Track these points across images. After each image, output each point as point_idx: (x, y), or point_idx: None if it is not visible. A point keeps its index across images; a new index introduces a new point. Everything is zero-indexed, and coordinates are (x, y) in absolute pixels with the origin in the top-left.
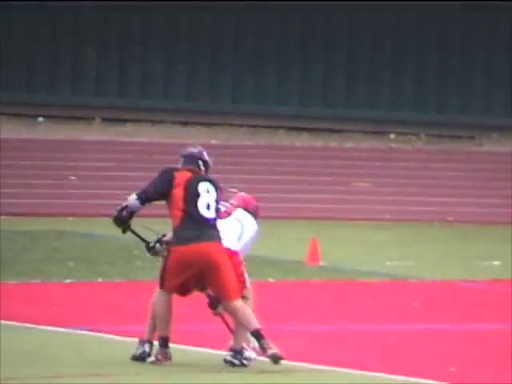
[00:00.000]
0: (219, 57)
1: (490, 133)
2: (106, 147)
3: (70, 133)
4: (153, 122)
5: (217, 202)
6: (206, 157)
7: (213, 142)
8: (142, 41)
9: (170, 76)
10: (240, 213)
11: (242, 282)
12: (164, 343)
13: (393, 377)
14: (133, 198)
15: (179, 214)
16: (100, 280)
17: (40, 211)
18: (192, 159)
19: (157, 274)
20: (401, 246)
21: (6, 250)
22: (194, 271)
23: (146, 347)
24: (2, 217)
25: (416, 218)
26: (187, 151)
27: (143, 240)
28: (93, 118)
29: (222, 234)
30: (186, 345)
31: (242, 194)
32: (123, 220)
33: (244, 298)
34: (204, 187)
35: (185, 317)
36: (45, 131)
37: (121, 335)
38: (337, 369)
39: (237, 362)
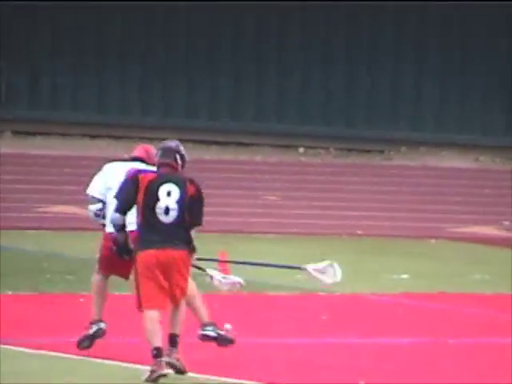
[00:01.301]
0: (128, 70)
1: (398, 147)
2: (15, 160)
3: None
4: (63, 135)
5: (179, 202)
6: (183, 150)
7: (125, 155)
8: (51, 53)
9: (79, 89)
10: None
11: None
12: (158, 353)
13: None
14: (116, 216)
15: (139, 219)
16: (9, 292)
17: None
18: (170, 153)
19: (65, 287)
20: (309, 260)
21: None
22: (161, 271)
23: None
24: None
25: (325, 232)
26: (165, 145)
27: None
28: (2, 131)
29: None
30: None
31: (142, 144)
32: (125, 246)
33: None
34: (165, 190)
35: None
36: None
37: (30, 348)
38: (245, 382)
39: (213, 333)
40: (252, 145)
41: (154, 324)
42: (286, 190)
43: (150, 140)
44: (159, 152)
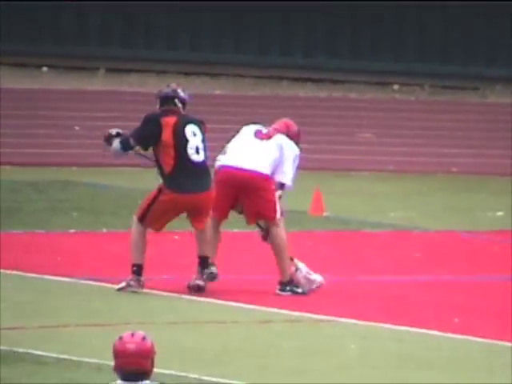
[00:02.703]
0: (222, 8)
1: (493, 84)
2: (110, 97)
3: (73, 83)
4: (157, 72)
5: (203, 142)
6: (182, 93)
7: (217, 92)
8: None
9: (173, 27)
10: (281, 138)
11: (272, 210)
12: (138, 270)
13: (396, 327)
14: (117, 145)
15: (170, 161)
16: (104, 230)
17: (44, 161)
18: (168, 99)
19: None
20: (404, 198)
21: (10, 200)
22: (179, 213)
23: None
24: (5, 167)
25: (419, 170)
26: (162, 92)
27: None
28: (97, 69)
29: (256, 157)
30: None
31: (285, 119)
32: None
33: (276, 225)
34: (190, 130)
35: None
36: (48, 81)
37: None
38: (341, 319)
39: (287, 293)
40: (347, 82)
41: (142, 239)
42: (381, 127)
43: (244, 76)
44: (158, 101)
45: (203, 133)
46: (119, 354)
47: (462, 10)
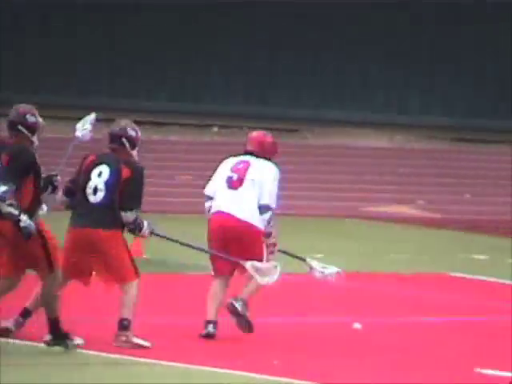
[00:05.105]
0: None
1: (312, 126)
2: None
3: None
4: None
5: (107, 183)
6: (131, 132)
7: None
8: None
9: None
10: (255, 167)
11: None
12: (27, 314)
13: (216, 370)
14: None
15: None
16: None
17: None
18: (115, 138)
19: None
20: None
21: None
22: (81, 254)
23: None
24: None
25: None
26: (111, 130)
27: None
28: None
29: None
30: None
31: (256, 133)
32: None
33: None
34: (98, 170)
35: None
36: None
37: None
38: (161, 362)
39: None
40: (166, 124)
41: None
42: (199, 169)
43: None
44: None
45: (114, 174)
46: None
47: (289, 55)
